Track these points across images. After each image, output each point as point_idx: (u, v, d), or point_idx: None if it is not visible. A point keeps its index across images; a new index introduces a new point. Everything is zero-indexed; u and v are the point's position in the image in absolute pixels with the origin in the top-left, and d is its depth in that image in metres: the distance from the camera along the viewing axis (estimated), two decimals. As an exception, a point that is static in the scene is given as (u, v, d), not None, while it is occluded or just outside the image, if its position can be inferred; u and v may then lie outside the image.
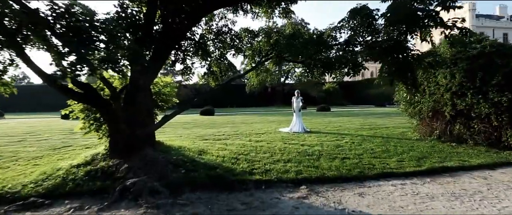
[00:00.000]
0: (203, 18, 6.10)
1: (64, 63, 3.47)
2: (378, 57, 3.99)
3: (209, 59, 5.72)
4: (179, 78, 53.13)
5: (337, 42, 4.93)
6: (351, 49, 4.53)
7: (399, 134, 8.99)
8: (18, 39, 3.68)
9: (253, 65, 6.50)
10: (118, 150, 4.79)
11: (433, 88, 7.39)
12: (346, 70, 4.84)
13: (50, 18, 3.52)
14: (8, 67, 4.13)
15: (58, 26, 3.59)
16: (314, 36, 5.66)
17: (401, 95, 8.92)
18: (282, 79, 45.15)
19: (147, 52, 5.40)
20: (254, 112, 28.02)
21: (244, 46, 6.29)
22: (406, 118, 15.12)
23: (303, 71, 5.43)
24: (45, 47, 3.77)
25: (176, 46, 5.33)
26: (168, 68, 45.59)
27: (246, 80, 49.94)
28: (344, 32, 4.91)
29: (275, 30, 6.46)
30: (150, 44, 4.96)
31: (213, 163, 5.07)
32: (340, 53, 4.91)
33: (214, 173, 4.49)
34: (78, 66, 3.42)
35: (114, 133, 4.86)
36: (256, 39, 6.48)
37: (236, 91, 43.49)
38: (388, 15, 3.48)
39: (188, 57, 5.53)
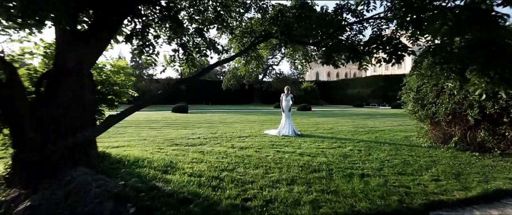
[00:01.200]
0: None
1: None
2: (460, 34, 2.51)
3: (182, 35, 3.92)
4: (151, 71, 49.19)
5: (375, 14, 3.43)
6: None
7: (404, 140, 7.85)
8: None
9: (242, 48, 4.81)
10: (25, 171, 2.88)
11: (455, 87, 6.21)
12: (383, 55, 3.35)
13: None
14: None
15: None
16: (327, 14, 4.13)
17: (408, 95, 7.76)
18: (260, 77, 43.83)
19: (84, 18, 3.51)
20: (231, 110, 26.24)
21: (233, 22, 4.57)
22: (397, 120, 14.37)
23: (319, 55, 3.87)
24: None
25: (133, 9, 3.48)
26: (138, 61, 41.79)
27: (222, 76, 47.88)
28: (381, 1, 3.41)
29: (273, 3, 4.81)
30: (88, 1, 3.09)
31: (185, 190, 3.28)
32: (376, 31, 3.41)
33: (185, 212, 2.73)
34: None
35: (18, 144, 2.92)
36: (247, 14, 4.80)
37: (212, 87, 41.42)
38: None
39: (150, 29, 3.70)
